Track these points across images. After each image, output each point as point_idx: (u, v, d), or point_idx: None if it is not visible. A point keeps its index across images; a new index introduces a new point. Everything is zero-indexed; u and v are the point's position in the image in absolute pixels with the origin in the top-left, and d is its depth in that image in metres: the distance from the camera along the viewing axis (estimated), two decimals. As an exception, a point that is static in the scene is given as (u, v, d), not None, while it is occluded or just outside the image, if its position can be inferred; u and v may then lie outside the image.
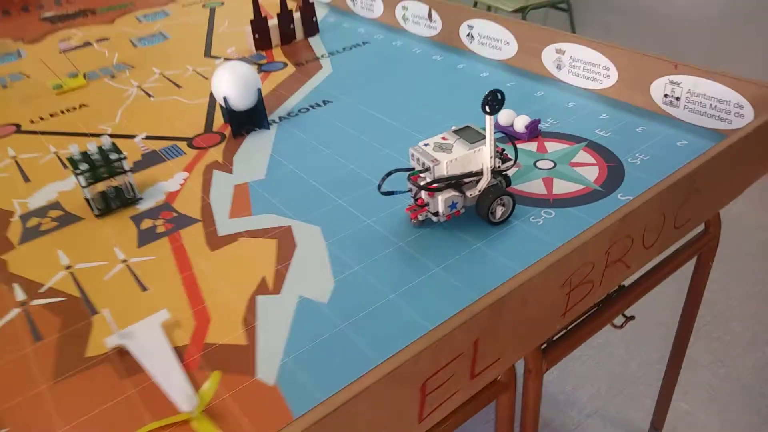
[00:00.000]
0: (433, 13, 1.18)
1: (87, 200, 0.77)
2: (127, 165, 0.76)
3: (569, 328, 0.68)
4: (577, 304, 0.57)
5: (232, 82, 0.88)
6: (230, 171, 0.83)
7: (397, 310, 0.58)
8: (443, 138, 0.67)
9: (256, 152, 0.88)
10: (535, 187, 0.74)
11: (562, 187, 0.74)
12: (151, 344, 0.56)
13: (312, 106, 0.99)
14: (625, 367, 1.36)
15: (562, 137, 0.84)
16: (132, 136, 0.95)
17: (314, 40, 1.27)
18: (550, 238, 0.65)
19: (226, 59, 1.21)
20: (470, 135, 0.67)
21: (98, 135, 0.96)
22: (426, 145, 0.67)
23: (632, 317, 0.73)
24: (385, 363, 0.43)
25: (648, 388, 1.27)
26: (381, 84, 1.05)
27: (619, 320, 0.73)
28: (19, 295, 0.65)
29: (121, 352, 0.57)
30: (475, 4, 3.00)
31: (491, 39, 1.08)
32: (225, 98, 0.88)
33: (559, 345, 0.66)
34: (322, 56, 1.19)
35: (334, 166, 0.83)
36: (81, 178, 0.73)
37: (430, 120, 0.91)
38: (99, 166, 0.74)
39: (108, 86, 1.14)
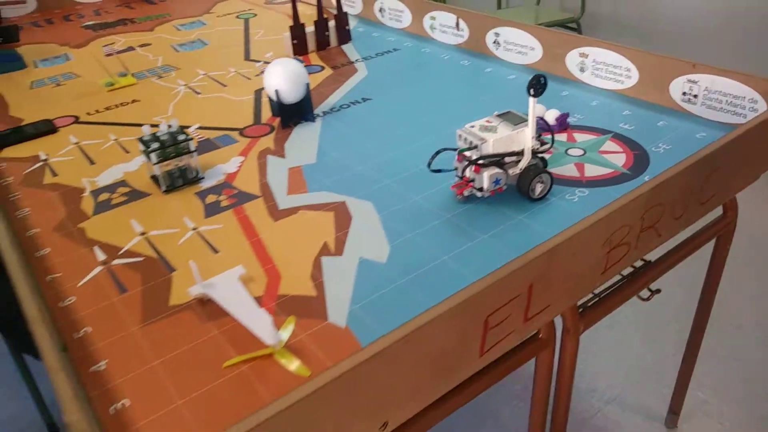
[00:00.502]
0: (461, 22, 1.26)
1: (154, 178, 0.84)
2: (193, 146, 0.82)
3: (602, 296, 0.74)
4: (615, 264, 0.63)
5: (284, 77, 0.95)
6: (283, 156, 0.90)
7: (450, 269, 0.64)
8: (487, 121, 0.74)
9: (304, 141, 0.94)
10: (568, 171, 0.81)
11: (593, 171, 0.80)
12: (231, 292, 0.62)
13: (352, 103, 1.07)
14: (641, 360, 1.42)
15: (590, 129, 0.91)
16: (186, 127, 1.02)
17: (347, 47, 1.35)
18: (585, 212, 0.71)
19: (266, 62, 1.28)
20: (512, 118, 0.74)
21: (154, 125, 1.03)
22: (472, 126, 0.74)
23: (658, 290, 0.79)
24: (457, 294, 0.49)
25: (664, 377, 1.32)
26: (414, 85, 1.12)
27: (644, 294, 0.79)
28: (100, 255, 0.71)
29: (202, 302, 0.63)
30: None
31: (517, 45, 1.16)
32: (276, 91, 0.95)
33: (594, 309, 0.72)
34: (357, 60, 1.27)
35: (378, 153, 0.89)
36: (153, 156, 0.80)
37: (461, 115, 0.98)
38: (168, 146, 0.81)
39: (156, 85, 1.22)
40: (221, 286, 0.63)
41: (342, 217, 0.75)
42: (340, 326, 0.58)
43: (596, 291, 0.73)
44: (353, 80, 1.17)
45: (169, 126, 0.83)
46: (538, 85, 0.68)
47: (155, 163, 0.80)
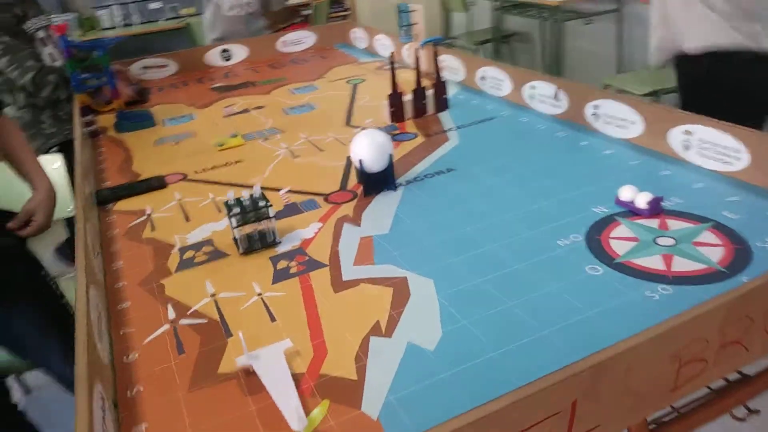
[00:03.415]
0: (560, 92, 1.23)
1: (234, 240, 0.88)
2: (272, 212, 0.86)
3: (682, 410, 0.65)
4: (689, 382, 0.56)
5: (368, 147, 0.97)
6: (358, 224, 0.91)
7: (498, 368, 0.60)
8: None
9: (383, 210, 0.95)
10: (653, 262, 0.74)
11: (682, 265, 0.72)
12: (273, 367, 0.62)
13: (437, 173, 1.06)
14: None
15: (687, 216, 0.82)
16: (277, 189, 1.07)
17: (443, 115, 1.36)
18: (665, 314, 0.64)
19: (364, 129, 1.32)
20: None
21: (250, 186, 1.09)
22: None
23: (757, 411, 0.68)
24: (486, 405, 0.46)
25: None
26: (504, 156, 1.10)
27: (740, 412, 0.68)
28: (171, 314, 0.76)
29: (247, 372, 0.64)
30: (605, 88, 2.98)
31: (617, 119, 1.09)
32: (360, 161, 0.97)
33: (671, 425, 0.63)
34: (450, 129, 1.27)
35: (452, 227, 0.87)
36: (233, 220, 0.84)
37: (550, 190, 0.94)
38: (249, 211, 0.85)
39: (261, 146, 1.30)
40: (266, 358, 0.64)
41: (400, 295, 0.73)
42: (371, 417, 0.56)
43: (676, 404, 0.65)
44: (442, 149, 1.17)
45: (251, 193, 0.88)
46: None
47: (234, 227, 0.85)
